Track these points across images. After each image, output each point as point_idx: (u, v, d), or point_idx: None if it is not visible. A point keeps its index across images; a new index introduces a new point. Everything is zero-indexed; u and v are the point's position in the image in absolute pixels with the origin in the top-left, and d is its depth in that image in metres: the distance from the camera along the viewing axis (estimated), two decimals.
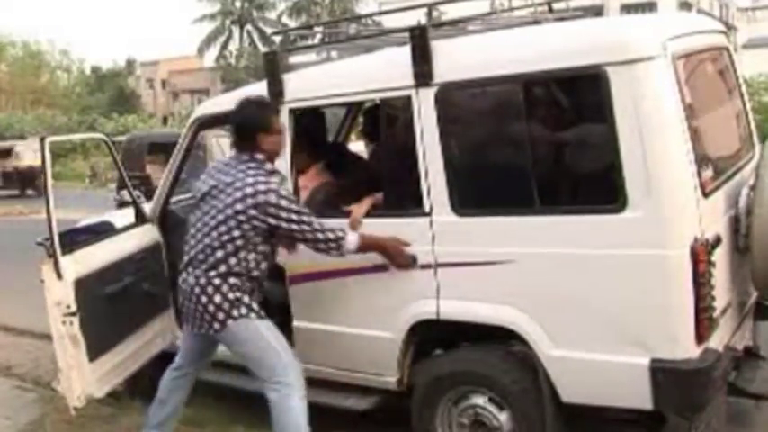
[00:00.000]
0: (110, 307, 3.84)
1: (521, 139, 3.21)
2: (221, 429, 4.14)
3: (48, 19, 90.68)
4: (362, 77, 3.64)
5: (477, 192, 3.31)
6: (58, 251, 3.57)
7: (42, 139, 3.68)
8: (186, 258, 3.44)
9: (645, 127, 2.84)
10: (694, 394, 2.94)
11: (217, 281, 3.31)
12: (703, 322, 2.90)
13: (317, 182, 4.12)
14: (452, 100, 3.31)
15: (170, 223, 4.46)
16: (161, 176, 4.56)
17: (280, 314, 3.75)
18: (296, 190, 3.76)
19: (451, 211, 3.30)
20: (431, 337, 3.56)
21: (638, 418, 3.28)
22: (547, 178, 3.17)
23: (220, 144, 10.11)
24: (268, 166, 3.39)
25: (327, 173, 4.28)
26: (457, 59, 3.31)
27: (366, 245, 3.40)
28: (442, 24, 3.99)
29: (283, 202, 3.27)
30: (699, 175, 2.96)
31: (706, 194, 3.02)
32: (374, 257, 3.45)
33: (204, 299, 3.32)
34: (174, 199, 4.59)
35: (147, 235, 4.30)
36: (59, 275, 3.56)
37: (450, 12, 13.57)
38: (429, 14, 19.59)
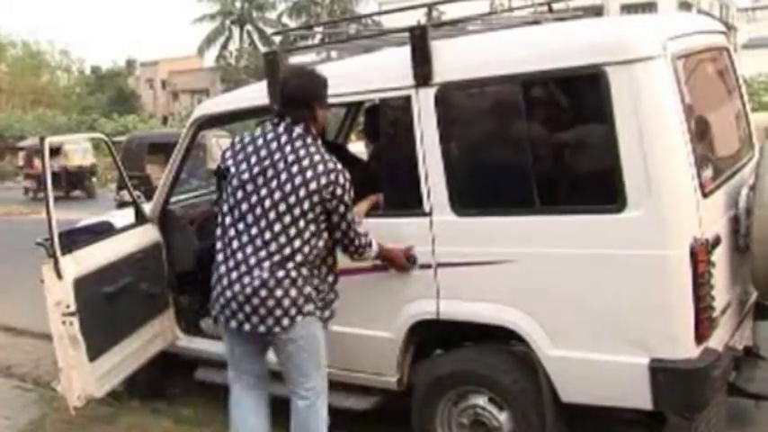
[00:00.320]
0: (109, 307, 3.84)
1: (521, 138, 3.21)
2: (221, 429, 4.13)
3: (48, 19, 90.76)
4: (362, 78, 3.63)
5: (478, 192, 3.32)
6: (58, 251, 3.58)
7: (42, 139, 3.68)
8: (240, 255, 3.03)
9: (644, 127, 2.84)
10: (694, 394, 2.94)
11: (294, 273, 3.01)
12: (703, 322, 2.90)
13: None
14: (452, 100, 3.31)
15: (170, 223, 4.46)
16: (161, 176, 4.57)
17: None
18: None
19: (451, 211, 3.30)
20: (431, 338, 3.56)
21: (638, 418, 3.28)
22: (547, 178, 3.17)
23: (220, 144, 10.11)
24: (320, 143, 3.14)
25: None
26: (457, 59, 3.31)
27: (383, 257, 3.36)
28: (441, 24, 3.99)
29: (348, 186, 3.07)
30: (699, 175, 2.96)
31: (706, 194, 3.01)
32: None
33: (279, 292, 2.99)
34: (173, 199, 4.60)
35: (147, 235, 4.30)
36: (59, 275, 3.57)
37: (449, 12, 13.55)
38: (429, 14, 19.57)
